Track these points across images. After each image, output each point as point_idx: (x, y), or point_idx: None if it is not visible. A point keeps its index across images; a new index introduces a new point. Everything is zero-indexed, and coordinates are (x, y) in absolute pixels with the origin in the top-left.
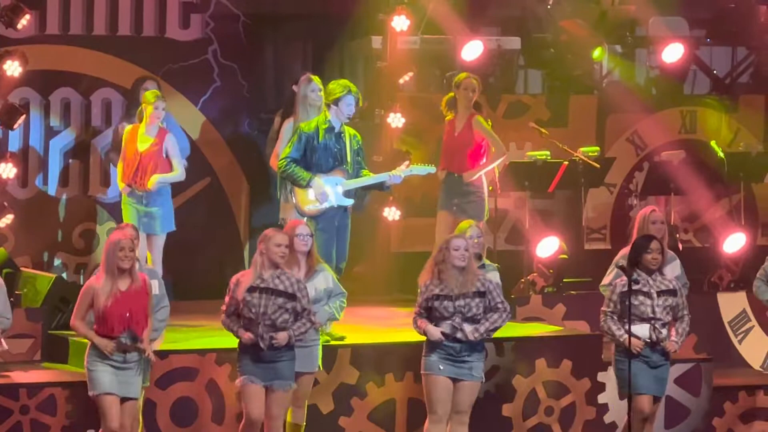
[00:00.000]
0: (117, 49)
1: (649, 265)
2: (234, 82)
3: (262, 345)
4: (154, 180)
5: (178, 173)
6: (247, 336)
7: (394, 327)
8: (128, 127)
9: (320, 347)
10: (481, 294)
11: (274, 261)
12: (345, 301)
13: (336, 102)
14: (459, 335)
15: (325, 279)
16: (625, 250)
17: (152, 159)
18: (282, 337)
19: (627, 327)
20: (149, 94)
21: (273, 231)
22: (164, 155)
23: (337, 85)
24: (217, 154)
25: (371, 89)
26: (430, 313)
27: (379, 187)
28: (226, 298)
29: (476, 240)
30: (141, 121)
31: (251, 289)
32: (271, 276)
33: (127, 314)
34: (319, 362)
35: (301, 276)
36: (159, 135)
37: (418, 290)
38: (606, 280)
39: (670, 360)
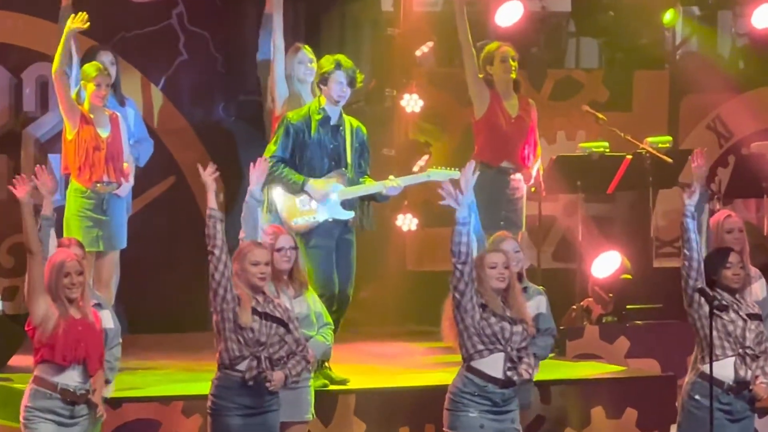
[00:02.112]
0: (56, 13)
1: (731, 284)
2: (205, 55)
3: (270, 387)
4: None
5: (150, 143)
6: None
7: (410, 367)
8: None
9: (312, 389)
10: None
11: (252, 284)
12: (333, 334)
13: (324, 80)
14: (512, 375)
15: (313, 299)
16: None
17: (120, 152)
18: (279, 378)
19: (709, 361)
20: (88, 68)
21: (249, 245)
22: None
23: (326, 60)
24: (184, 147)
25: (380, 64)
26: (477, 332)
27: (374, 197)
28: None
29: (515, 254)
30: (81, 103)
31: (252, 311)
32: (265, 300)
33: (81, 344)
34: (311, 409)
35: (290, 295)
36: (113, 123)
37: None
38: None
39: (756, 409)
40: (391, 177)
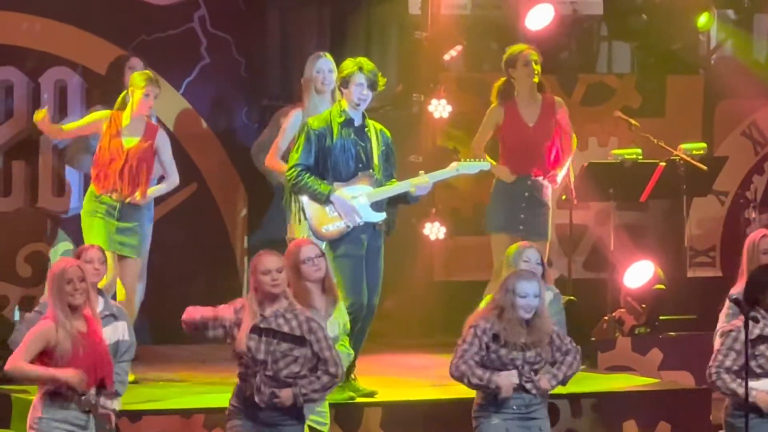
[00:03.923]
0: (74, 16)
1: None
2: (228, 59)
3: (257, 400)
4: (151, 192)
5: (174, 180)
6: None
7: (437, 380)
8: (102, 112)
9: (326, 403)
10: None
11: (268, 293)
12: (349, 342)
13: (345, 83)
14: (530, 386)
15: (341, 313)
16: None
17: (144, 161)
18: (285, 396)
19: (744, 380)
20: (138, 76)
21: (258, 256)
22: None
23: (348, 62)
24: (206, 153)
25: (407, 68)
26: (488, 363)
27: (403, 199)
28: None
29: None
30: (123, 109)
31: (251, 330)
32: (274, 314)
33: (95, 364)
34: (327, 424)
35: (321, 311)
36: (148, 131)
37: (467, 330)
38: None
39: None
40: (421, 173)
